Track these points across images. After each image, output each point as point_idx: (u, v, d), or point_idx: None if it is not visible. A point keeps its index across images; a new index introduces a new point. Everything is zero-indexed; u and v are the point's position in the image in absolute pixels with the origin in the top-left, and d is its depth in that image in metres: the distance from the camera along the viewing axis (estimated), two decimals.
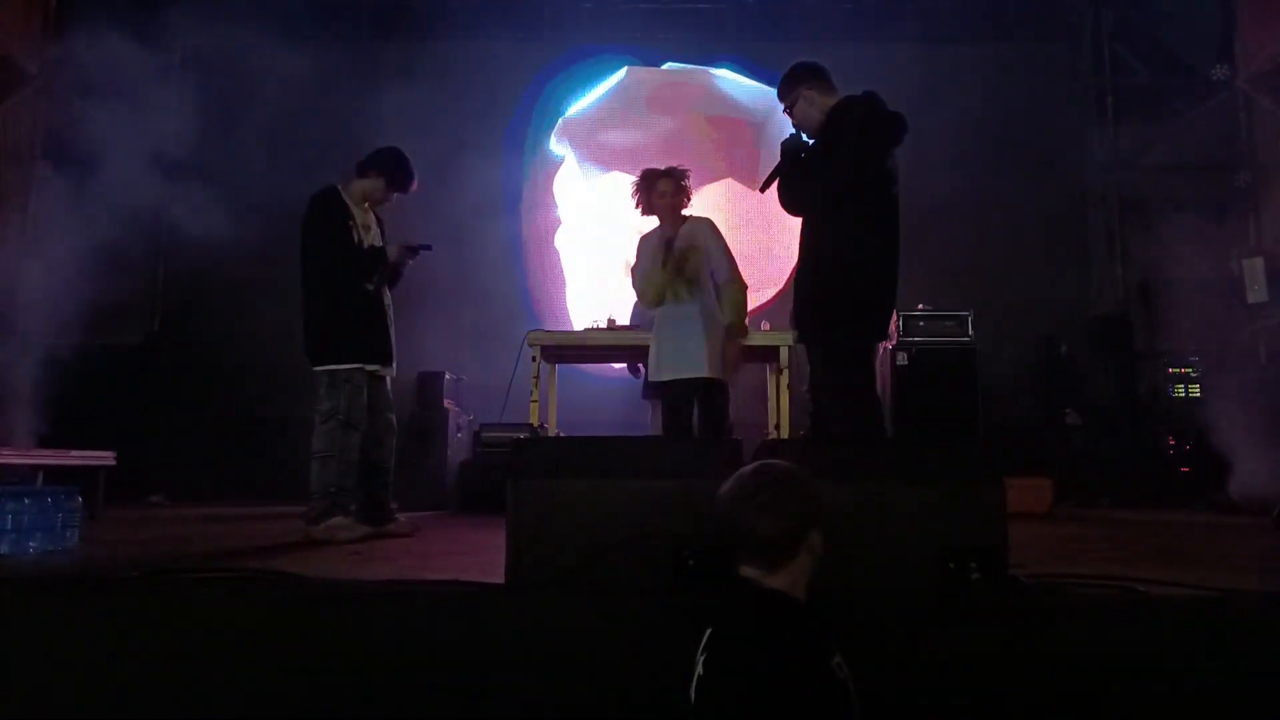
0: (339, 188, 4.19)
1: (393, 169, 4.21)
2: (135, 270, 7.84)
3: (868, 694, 1.70)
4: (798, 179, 3.58)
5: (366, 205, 4.27)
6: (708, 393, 4.21)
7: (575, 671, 2.08)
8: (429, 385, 6.72)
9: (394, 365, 4.28)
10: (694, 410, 4.27)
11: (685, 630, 2.09)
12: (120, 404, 7.36)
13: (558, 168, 9.45)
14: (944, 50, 8.84)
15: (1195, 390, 8.03)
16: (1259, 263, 7.39)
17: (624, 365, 7.69)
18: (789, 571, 1.79)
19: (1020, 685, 2.04)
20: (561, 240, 9.32)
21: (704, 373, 4.13)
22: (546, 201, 9.36)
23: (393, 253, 4.20)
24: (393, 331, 4.26)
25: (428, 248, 4.32)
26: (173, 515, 5.68)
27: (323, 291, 4.08)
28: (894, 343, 6.65)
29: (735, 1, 9.31)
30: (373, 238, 4.23)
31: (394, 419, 4.29)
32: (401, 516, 4.26)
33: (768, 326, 6.29)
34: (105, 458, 5.31)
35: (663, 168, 4.41)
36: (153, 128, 7.10)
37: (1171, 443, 7.94)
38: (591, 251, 9.19)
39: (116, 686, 2.11)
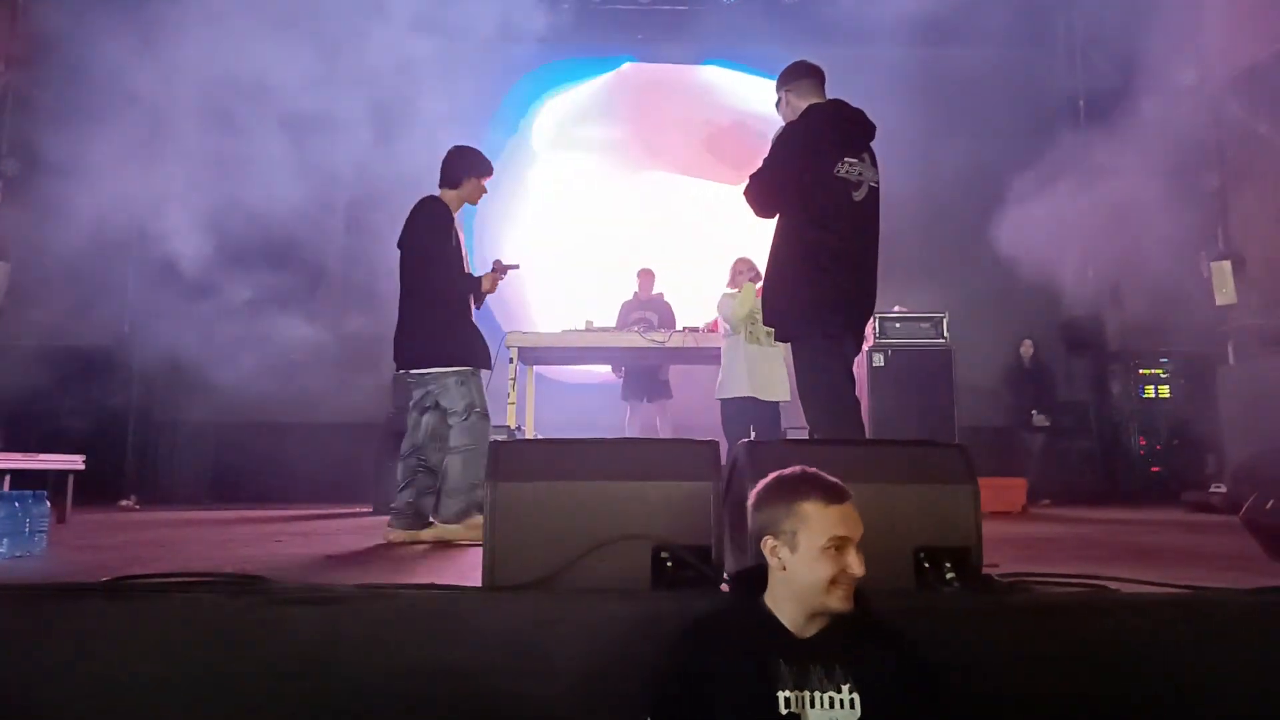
0: (438, 198, 4.32)
1: (479, 165, 4.36)
2: (105, 272, 7.74)
3: None
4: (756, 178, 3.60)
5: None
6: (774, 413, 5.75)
7: (554, 674, 2.07)
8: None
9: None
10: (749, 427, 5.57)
11: (664, 632, 2.09)
12: (90, 407, 7.26)
13: (536, 164, 9.49)
14: (919, 54, 8.92)
15: (1165, 391, 8.16)
16: (1227, 265, 7.50)
17: (602, 366, 7.71)
18: (771, 583, 1.79)
19: (993, 683, 2.06)
20: (534, 237, 9.34)
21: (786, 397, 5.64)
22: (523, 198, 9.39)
23: (488, 283, 4.40)
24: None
25: (515, 266, 4.58)
26: (144, 520, 5.60)
27: (446, 297, 4.22)
28: (870, 344, 6.70)
29: (720, 4, 9.35)
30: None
31: None
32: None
33: None
34: (74, 462, 5.23)
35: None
36: (124, 129, 7.02)
37: (1142, 442, 8.06)
38: (566, 251, 9.21)
39: (84, 694, 2.07)
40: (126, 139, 6.98)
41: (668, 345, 6.54)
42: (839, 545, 1.70)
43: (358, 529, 4.91)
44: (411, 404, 4.26)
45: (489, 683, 2.08)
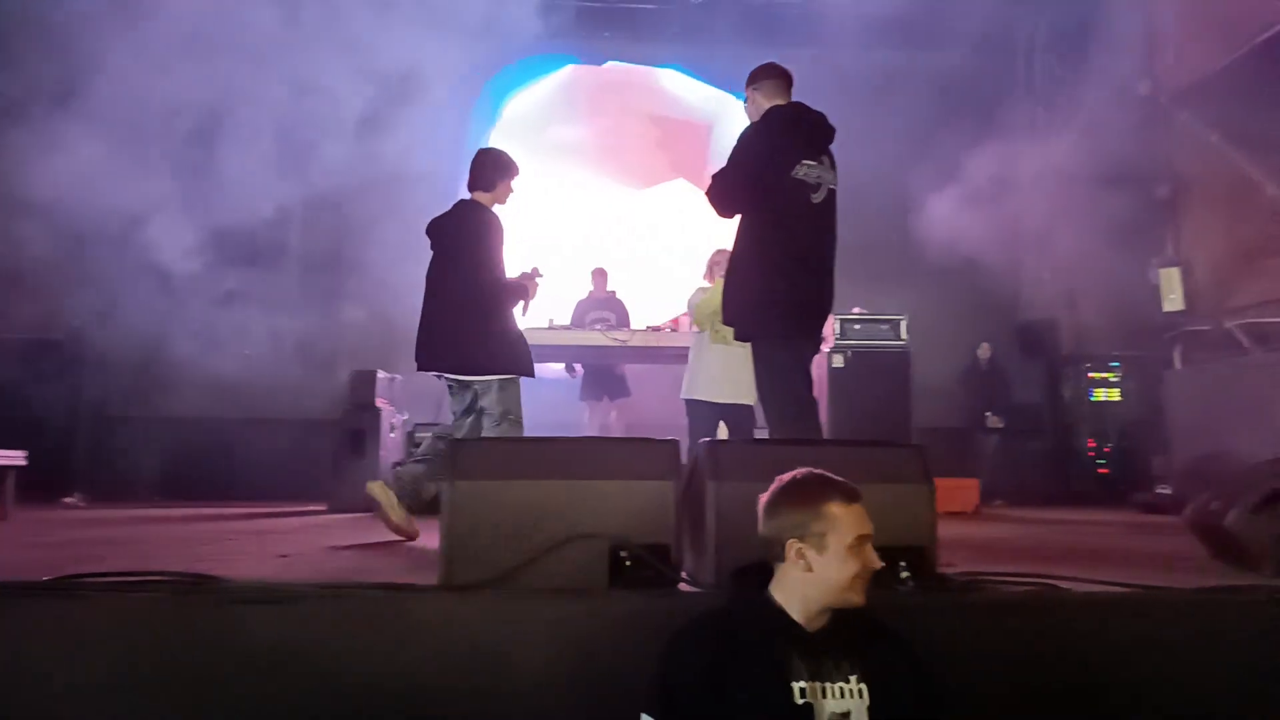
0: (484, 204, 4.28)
1: (510, 167, 4.33)
2: (55, 264, 7.54)
3: None
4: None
5: None
6: (743, 415, 5.29)
7: (511, 672, 2.06)
8: (362, 384, 6.58)
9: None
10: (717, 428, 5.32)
11: (622, 631, 2.09)
12: (38, 402, 7.07)
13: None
14: (883, 57, 9.01)
15: (1115, 394, 8.34)
16: (1175, 273, 7.67)
17: (561, 365, 7.69)
18: (781, 579, 1.81)
19: (948, 680, 2.09)
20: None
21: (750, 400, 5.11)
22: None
23: (533, 291, 4.36)
24: None
25: (542, 277, 4.51)
26: (91, 517, 5.47)
27: (503, 306, 4.21)
28: (830, 345, 6.77)
29: (681, 4, 9.37)
30: None
31: None
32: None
33: None
34: (15, 457, 5.09)
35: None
36: (78, 120, 6.84)
37: (1091, 444, 8.23)
38: (526, 250, 9.16)
39: (26, 697, 2.02)
40: (79, 129, 6.80)
41: (631, 344, 6.54)
42: (862, 542, 1.79)
43: (312, 527, 4.84)
44: (461, 410, 4.20)
45: (445, 681, 2.06)
